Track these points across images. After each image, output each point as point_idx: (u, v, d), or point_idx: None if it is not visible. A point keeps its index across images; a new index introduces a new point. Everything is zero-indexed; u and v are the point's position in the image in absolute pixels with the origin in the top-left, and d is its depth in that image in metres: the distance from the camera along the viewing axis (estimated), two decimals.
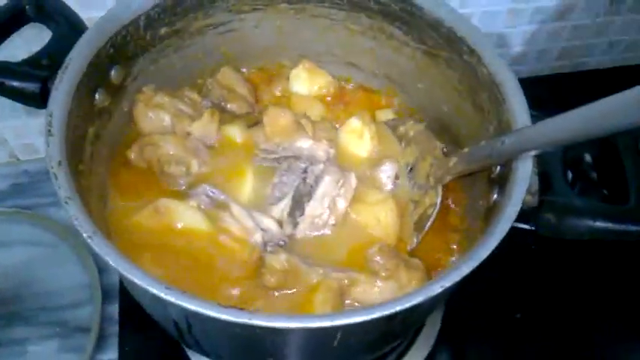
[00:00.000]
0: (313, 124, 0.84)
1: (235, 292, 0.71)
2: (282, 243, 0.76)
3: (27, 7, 0.75)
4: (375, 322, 0.56)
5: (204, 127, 0.82)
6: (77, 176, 0.66)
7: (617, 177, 0.73)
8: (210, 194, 0.77)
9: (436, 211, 0.78)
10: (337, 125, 0.88)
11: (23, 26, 0.76)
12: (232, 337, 0.64)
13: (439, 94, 0.86)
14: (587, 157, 0.79)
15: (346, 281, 0.71)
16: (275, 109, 0.83)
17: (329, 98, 0.94)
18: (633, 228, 0.67)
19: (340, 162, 0.83)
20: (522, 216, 0.63)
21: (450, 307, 0.96)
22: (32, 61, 0.72)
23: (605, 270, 1.05)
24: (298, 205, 0.78)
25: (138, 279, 0.56)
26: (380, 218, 0.78)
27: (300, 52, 0.93)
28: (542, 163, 0.69)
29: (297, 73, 0.92)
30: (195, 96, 0.86)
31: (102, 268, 0.97)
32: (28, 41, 0.82)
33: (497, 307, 1.01)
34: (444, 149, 0.82)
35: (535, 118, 0.69)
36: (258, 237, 0.74)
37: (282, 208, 0.78)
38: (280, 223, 0.77)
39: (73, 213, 0.59)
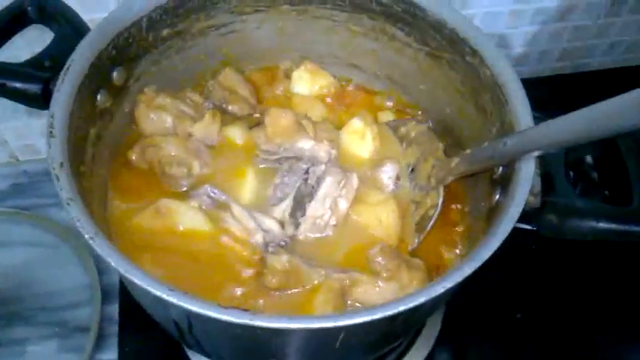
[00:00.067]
0: (314, 125, 0.84)
1: (237, 292, 0.71)
2: (283, 244, 0.76)
3: (29, 8, 0.75)
4: (377, 323, 0.56)
5: (205, 129, 0.82)
6: (79, 177, 0.66)
7: (618, 178, 0.74)
8: (212, 195, 0.77)
9: (437, 211, 0.78)
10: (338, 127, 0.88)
11: (25, 27, 0.76)
12: (233, 337, 0.64)
13: (441, 95, 0.86)
14: (589, 159, 0.79)
15: (348, 282, 0.71)
16: (276, 109, 0.83)
17: (330, 99, 0.94)
18: (636, 229, 0.67)
19: (342, 163, 0.83)
20: (524, 216, 0.63)
21: (450, 307, 0.96)
22: (34, 63, 0.72)
23: (606, 270, 1.05)
24: (300, 206, 0.78)
25: (139, 280, 0.56)
26: (381, 219, 0.78)
27: (301, 53, 0.93)
28: (545, 164, 0.69)
29: (299, 74, 0.92)
30: (196, 97, 0.86)
31: (102, 268, 0.97)
32: (30, 42, 0.82)
33: (498, 307, 1.01)
34: (446, 150, 0.82)
35: (537, 119, 0.69)
36: (259, 238, 0.74)
37: (283, 208, 0.78)
38: (282, 224, 0.77)
39: (75, 214, 0.59)
